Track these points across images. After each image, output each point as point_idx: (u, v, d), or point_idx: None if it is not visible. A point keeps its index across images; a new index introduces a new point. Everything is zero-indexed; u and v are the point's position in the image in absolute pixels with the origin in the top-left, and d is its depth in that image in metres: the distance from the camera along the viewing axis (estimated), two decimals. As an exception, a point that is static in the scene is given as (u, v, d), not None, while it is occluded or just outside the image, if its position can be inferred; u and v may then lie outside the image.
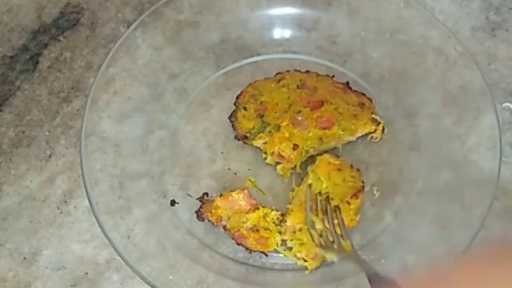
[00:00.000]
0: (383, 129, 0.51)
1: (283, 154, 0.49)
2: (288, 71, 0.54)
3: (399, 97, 0.52)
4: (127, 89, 0.51)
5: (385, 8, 0.53)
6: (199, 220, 0.48)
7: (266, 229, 0.47)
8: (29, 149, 0.53)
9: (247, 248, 0.47)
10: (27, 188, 0.51)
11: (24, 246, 0.49)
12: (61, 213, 0.50)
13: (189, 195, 0.50)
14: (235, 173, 0.51)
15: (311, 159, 0.50)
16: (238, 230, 0.47)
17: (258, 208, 0.48)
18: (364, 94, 0.52)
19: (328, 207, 0.47)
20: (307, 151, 0.50)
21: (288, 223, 0.47)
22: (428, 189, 0.49)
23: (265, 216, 0.48)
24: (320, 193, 0.48)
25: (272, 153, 0.49)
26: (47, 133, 0.53)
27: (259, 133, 0.50)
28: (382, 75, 0.53)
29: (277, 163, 0.50)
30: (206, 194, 0.50)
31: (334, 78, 0.53)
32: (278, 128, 0.50)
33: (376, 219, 0.49)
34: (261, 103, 0.52)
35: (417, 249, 0.45)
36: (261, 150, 0.50)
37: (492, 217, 0.45)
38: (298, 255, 0.47)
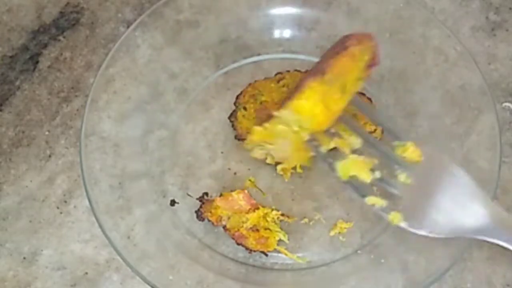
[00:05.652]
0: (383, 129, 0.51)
1: (283, 154, 0.49)
2: (288, 71, 0.54)
3: (399, 97, 0.52)
4: (127, 89, 0.51)
5: (385, 8, 0.53)
6: (199, 220, 0.48)
7: (266, 229, 0.47)
8: (29, 149, 0.53)
9: (247, 248, 0.47)
10: (27, 188, 0.51)
11: (24, 246, 0.49)
12: (61, 213, 0.50)
13: (189, 195, 0.50)
14: (235, 173, 0.51)
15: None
16: (238, 230, 0.47)
17: (258, 208, 0.48)
18: (364, 94, 0.52)
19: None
20: (307, 151, 0.50)
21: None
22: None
23: (265, 216, 0.48)
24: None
25: (272, 153, 0.49)
26: (47, 133, 0.53)
27: (259, 133, 0.50)
28: (382, 75, 0.53)
29: (277, 163, 0.50)
30: (206, 194, 0.50)
31: (334, 78, 0.53)
32: (278, 128, 0.50)
33: (376, 219, 0.49)
34: (261, 103, 0.52)
35: (417, 249, 0.45)
36: (261, 150, 0.50)
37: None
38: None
